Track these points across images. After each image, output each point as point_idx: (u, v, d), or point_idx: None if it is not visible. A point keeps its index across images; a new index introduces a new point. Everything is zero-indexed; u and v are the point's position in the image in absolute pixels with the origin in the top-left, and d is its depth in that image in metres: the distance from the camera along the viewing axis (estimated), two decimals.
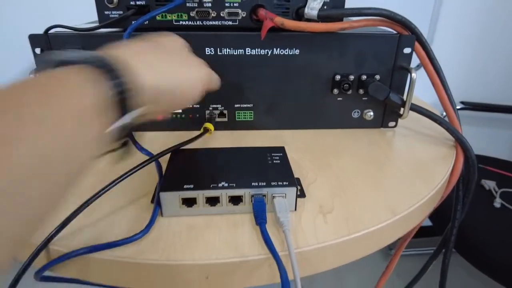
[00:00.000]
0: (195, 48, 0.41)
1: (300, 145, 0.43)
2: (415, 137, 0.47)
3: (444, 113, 0.46)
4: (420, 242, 1.23)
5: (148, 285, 0.27)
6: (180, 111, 0.45)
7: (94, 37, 0.40)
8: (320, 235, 0.28)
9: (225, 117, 0.46)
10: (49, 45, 0.41)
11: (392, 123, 0.49)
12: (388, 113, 0.48)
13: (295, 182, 0.30)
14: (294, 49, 0.42)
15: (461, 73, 1.07)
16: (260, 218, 0.27)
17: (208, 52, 0.42)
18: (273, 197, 0.29)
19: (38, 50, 0.41)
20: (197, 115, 0.45)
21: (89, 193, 0.30)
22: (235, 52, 0.42)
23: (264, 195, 0.29)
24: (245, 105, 0.45)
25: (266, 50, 0.42)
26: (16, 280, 0.26)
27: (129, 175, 0.30)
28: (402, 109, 0.46)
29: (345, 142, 0.44)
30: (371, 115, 0.47)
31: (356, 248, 0.29)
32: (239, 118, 0.46)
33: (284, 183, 0.29)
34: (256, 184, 0.29)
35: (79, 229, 0.28)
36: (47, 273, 0.28)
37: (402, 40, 0.43)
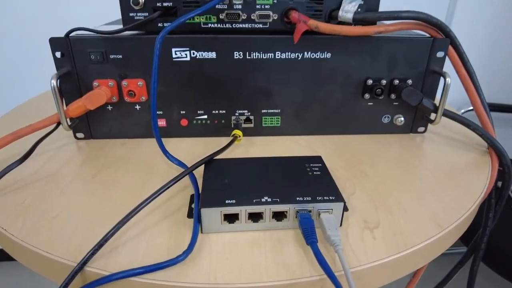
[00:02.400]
0: (224, 52, 0.40)
1: (331, 152, 0.41)
2: (445, 142, 0.45)
3: (462, 111, 0.45)
4: None
5: None
6: (206, 116, 0.43)
7: (118, 40, 0.39)
8: (371, 253, 0.27)
9: (251, 122, 0.44)
10: (70, 48, 0.39)
11: (421, 129, 0.47)
12: (418, 119, 0.46)
13: (341, 196, 0.28)
14: (325, 52, 0.41)
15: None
16: (310, 237, 0.26)
17: (236, 56, 0.40)
18: (319, 213, 0.28)
19: (58, 54, 0.39)
20: (223, 121, 0.44)
21: (121, 210, 0.28)
22: (264, 56, 0.40)
23: (310, 211, 0.28)
24: (272, 110, 0.44)
25: (296, 54, 0.40)
26: None
27: (166, 189, 0.29)
28: (433, 114, 0.45)
29: (377, 148, 0.43)
30: (401, 120, 0.45)
31: (406, 265, 0.28)
32: (265, 123, 0.44)
33: (331, 197, 0.28)
34: (301, 199, 0.28)
35: (114, 248, 0.27)
36: None
37: (436, 43, 0.42)
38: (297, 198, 0.28)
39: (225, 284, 0.24)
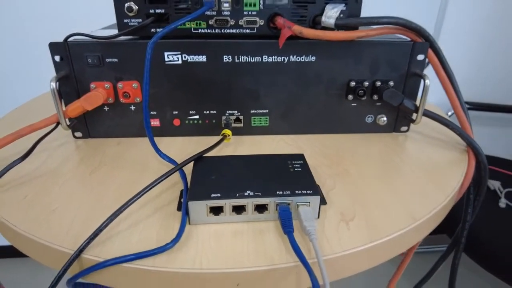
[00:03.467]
0: (214, 56, 0.42)
1: (316, 150, 0.44)
2: (426, 141, 0.48)
3: (450, 113, 0.47)
4: (424, 240, 1.25)
5: None
6: (198, 117, 0.45)
7: (113, 45, 0.41)
8: (344, 242, 0.29)
9: (241, 122, 0.46)
10: (68, 53, 0.41)
11: (404, 128, 0.50)
12: (400, 118, 0.49)
13: (318, 190, 0.31)
14: (310, 56, 0.43)
15: (464, 73, 1.08)
16: (287, 227, 0.28)
17: (225, 59, 0.42)
18: (297, 205, 0.30)
19: (57, 58, 0.41)
20: (214, 121, 0.46)
21: (115, 204, 0.30)
22: (252, 59, 0.42)
23: (289, 204, 0.30)
24: (260, 111, 0.46)
25: (282, 57, 0.43)
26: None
27: (157, 183, 0.31)
28: (415, 114, 0.47)
29: (360, 146, 0.45)
30: (384, 120, 0.48)
31: (379, 254, 0.30)
32: (254, 123, 0.47)
33: (308, 191, 0.30)
34: (281, 193, 0.30)
35: (108, 238, 0.29)
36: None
37: (416, 47, 0.44)
38: (278, 192, 0.30)
39: (209, 269, 0.26)
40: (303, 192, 0.30)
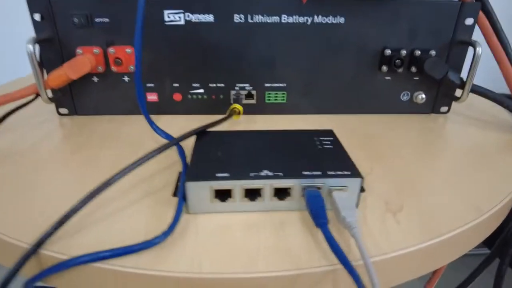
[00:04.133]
0: (223, 15, 0.35)
1: (344, 132, 0.36)
2: (472, 123, 0.40)
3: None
4: None
5: None
6: (202, 90, 0.38)
7: (104, 1, 0.34)
8: (395, 239, 0.21)
9: (253, 98, 0.39)
10: (51, 9, 0.34)
11: (444, 108, 0.42)
12: (441, 96, 0.41)
13: (358, 171, 0.23)
14: (338, 16, 0.36)
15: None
16: (320, 217, 0.21)
17: (237, 19, 0.35)
18: (331, 190, 0.23)
19: (37, 17, 0.35)
20: (221, 96, 0.39)
21: (95, 185, 0.23)
22: (268, 19, 0.35)
23: (320, 188, 0.23)
24: (277, 85, 0.39)
25: (305, 18, 0.35)
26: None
27: (145, 161, 0.24)
28: (460, 91, 0.39)
29: (394, 128, 0.38)
30: (422, 98, 0.40)
31: (439, 254, 0.23)
32: (269, 100, 0.39)
33: (346, 172, 0.23)
34: (309, 173, 0.23)
35: (81, 229, 0.22)
36: (41, 283, 0.21)
37: (465, 8, 0.36)
38: (304, 173, 0.23)
39: (212, 273, 0.19)
40: (338, 173, 0.23)
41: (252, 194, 0.23)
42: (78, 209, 0.21)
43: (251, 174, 0.23)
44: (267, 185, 0.23)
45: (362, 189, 0.26)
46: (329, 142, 0.27)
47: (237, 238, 0.21)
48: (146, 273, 0.19)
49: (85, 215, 0.23)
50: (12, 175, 0.28)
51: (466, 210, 0.24)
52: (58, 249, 0.20)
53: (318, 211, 0.21)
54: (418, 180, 0.28)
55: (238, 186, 0.23)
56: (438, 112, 0.42)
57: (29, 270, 0.21)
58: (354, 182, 0.23)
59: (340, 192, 0.23)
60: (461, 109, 0.44)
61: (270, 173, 0.23)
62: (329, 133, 0.29)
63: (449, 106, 0.42)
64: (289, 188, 0.23)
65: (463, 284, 0.52)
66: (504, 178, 0.29)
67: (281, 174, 0.23)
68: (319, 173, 0.23)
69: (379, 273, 0.20)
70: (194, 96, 0.39)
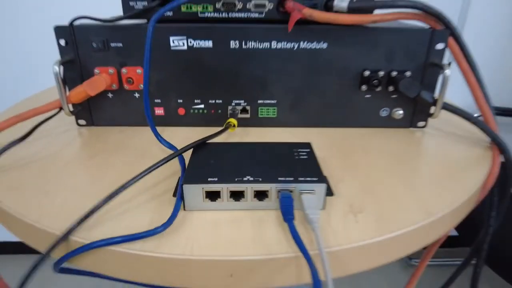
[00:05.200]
0: (221, 41, 0.40)
1: (326, 143, 0.41)
2: (446, 137, 0.44)
3: (476, 114, 0.44)
4: (443, 252, 1.19)
5: (168, 282, 0.25)
6: (203, 106, 0.44)
7: (119, 29, 0.40)
8: (351, 234, 0.26)
9: (248, 113, 0.44)
10: (73, 36, 0.40)
11: (421, 123, 0.46)
12: (418, 112, 0.46)
13: (324, 178, 0.28)
14: (322, 42, 0.41)
15: (487, 78, 1.03)
16: (288, 214, 0.26)
17: (232, 45, 0.40)
18: (301, 193, 0.28)
19: (62, 42, 0.41)
20: (219, 111, 0.44)
21: (111, 189, 0.29)
22: (260, 45, 0.41)
23: (291, 191, 0.28)
24: (268, 101, 0.44)
25: (292, 44, 0.41)
26: (33, 268, 0.25)
27: (154, 169, 0.29)
28: (433, 108, 0.44)
29: (373, 141, 0.42)
30: (400, 114, 0.45)
31: (389, 250, 0.27)
32: (262, 114, 0.45)
33: (313, 179, 0.28)
34: (283, 179, 0.28)
35: (100, 221, 0.27)
36: (66, 264, 0.27)
37: (436, 35, 0.41)
38: (279, 178, 0.28)
39: (200, 256, 0.24)
40: (307, 179, 0.28)
41: (237, 195, 0.28)
42: (100, 207, 0.26)
43: (236, 179, 0.28)
44: (249, 188, 0.28)
45: (331, 193, 0.31)
46: (305, 153, 0.32)
47: (223, 230, 0.27)
48: (149, 255, 0.24)
49: (104, 211, 0.28)
50: (41, 176, 0.34)
51: (417, 213, 0.29)
52: (82, 236, 0.26)
53: (287, 210, 0.26)
54: (383, 187, 0.33)
55: (225, 188, 0.28)
56: (416, 126, 0.47)
57: (59, 253, 0.26)
58: (320, 187, 0.28)
59: (308, 194, 0.28)
60: (440, 124, 0.48)
61: (251, 178, 0.28)
62: (307, 145, 0.34)
63: (426, 121, 0.46)
64: (267, 191, 0.28)
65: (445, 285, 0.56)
66: (461, 186, 0.33)
67: (260, 179, 0.28)
68: (291, 179, 0.28)
69: (335, 261, 0.25)
70: (196, 111, 0.44)
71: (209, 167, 0.30)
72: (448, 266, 1.27)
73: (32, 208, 0.29)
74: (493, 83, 1.03)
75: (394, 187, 0.33)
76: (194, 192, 0.28)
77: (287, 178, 0.28)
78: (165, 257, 0.24)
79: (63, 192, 0.31)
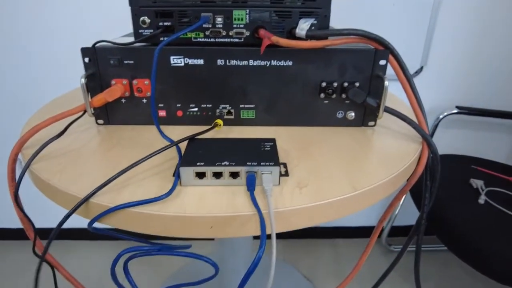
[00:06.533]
0: (209, 60, 0.52)
1: (291, 138, 0.53)
2: (390, 134, 0.56)
3: (441, 116, 0.55)
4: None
5: (169, 232, 0.37)
6: (196, 109, 0.56)
7: (131, 50, 0.52)
8: (295, 201, 0.38)
9: (232, 115, 0.56)
10: (95, 55, 0.52)
11: (371, 123, 0.58)
12: (368, 114, 0.57)
13: (278, 163, 0.40)
14: (288, 61, 0.52)
15: (457, 79, 1.14)
16: (251, 186, 0.38)
17: (219, 62, 0.52)
18: (262, 173, 0.40)
19: (87, 59, 0.53)
20: (209, 113, 0.56)
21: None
22: (240, 63, 0.52)
23: (255, 172, 0.40)
24: (248, 106, 0.56)
25: (265, 62, 0.52)
26: (60, 224, 0.37)
27: (158, 153, 0.42)
28: (379, 110, 0.56)
29: (329, 137, 0.54)
30: (352, 116, 0.57)
31: (322, 213, 0.39)
32: (243, 116, 0.56)
33: (270, 163, 0.40)
34: (250, 163, 0.40)
35: (120, 191, 0.39)
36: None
37: (378, 54, 0.53)
38: (247, 163, 0.40)
39: (191, 214, 0.36)
40: (266, 163, 0.40)
41: (217, 175, 0.40)
42: (114, 179, 0.38)
43: (217, 163, 0.40)
44: (226, 170, 0.40)
45: (287, 174, 0.43)
46: (269, 146, 0.44)
47: (207, 198, 0.39)
48: (156, 213, 0.36)
49: (122, 184, 0.40)
50: (75, 163, 0.46)
51: (346, 188, 0.41)
52: (108, 201, 0.38)
53: (250, 183, 0.38)
54: (326, 170, 0.45)
55: (209, 170, 0.40)
56: (367, 125, 0.58)
57: (88, 213, 0.38)
58: (274, 169, 0.39)
59: (267, 174, 0.39)
60: (390, 123, 0.60)
61: (227, 163, 0.40)
62: (272, 140, 0.46)
63: (375, 121, 0.58)
64: (238, 172, 0.40)
65: (395, 260, 0.68)
66: (386, 170, 0.45)
67: (234, 163, 0.40)
68: (255, 163, 0.40)
69: (282, 220, 0.37)
70: (191, 113, 0.56)
71: (198, 155, 0.42)
72: (424, 252, 1.39)
73: (72, 184, 0.41)
74: (457, 85, 1.15)
75: (334, 170, 0.45)
76: (187, 172, 0.40)
77: (253, 163, 0.40)
78: (167, 215, 0.36)
79: (93, 173, 0.43)
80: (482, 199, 0.90)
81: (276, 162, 0.40)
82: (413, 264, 1.31)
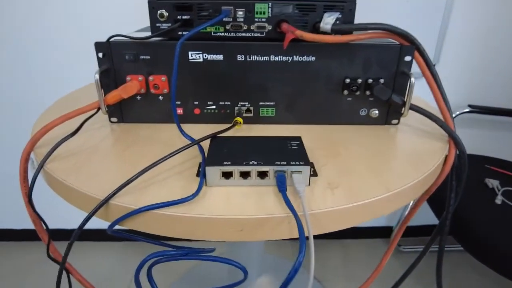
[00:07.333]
0: (229, 55, 0.50)
1: (315, 137, 0.51)
2: (414, 132, 0.54)
3: (454, 115, 0.53)
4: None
5: (195, 236, 0.35)
6: (214, 107, 0.54)
7: (147, 45, 0.50)
8: (328, 203, 0.36)
9: (251, 113, 0.54)
10: (110, 50, 0.50)
11: (395, 121, 0.56)
12: (391, 112, 0.55)
13: (309, 162, 0.38)
14: (310, 56, 0.50)
15: (469, 77, 1.13)
16: (282, 186, 0.35)
17: (239, 58, 0.50)
18: (292, 173, 0.38)
19: (101, 54, 0.50)
20: (228, 111, 0.54)
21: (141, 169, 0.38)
22: (261, 58, 0.50)
23: (285, 172, 0.38)
24: (268, 103, 0.54)
25: (287, 57, 0.50)
26: (81, 226, 0.35)
27: (181, 151, 0.40)
28: (403, 108, 0.54)
29: (353, 135, 0.52)
30: (376, 113, 0.55)
31: (355, 215, 0.37)
32: (262, 113, 0.54)
33: (301, 162, 0.38)
34: (279, 163, 0.38)
35: (141, 193, 0.37)
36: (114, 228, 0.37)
37: (403, 49, 0.51)
38: (276, 162, 0.38)
39: (218, 216, 0.34)
40: (296, 163, 0.38)
41: (244, 175, 0.38)
42: (135, 178, 0.36)
43: (244, 163, 0.38)
44: (253, 170, 0.38)
45: (315, 174, 0.41)
46: (296, 144, 0.42)
47: (234, 199, 0.36)
48: (182, 215, 0.34)
49: (143, 184, 0.38)
50: (86, 163, 0.43)
51: (379, 189, 0.39)
52: (129, 202, 0.35)
53: (281, 184, 0.36)
54: (355, 169, 0.43)
55: (236, 169, 0.37)
56: (390, 123, 0.56)
57: (107, 215, 0.36)
58: (305, 169, 0.37)
59: (297, 174, 0.37)
60: (412, 121, 0.58)
61: (255, 162, 0.38)
62: (298, 138, 0.44)
63: (398, 119, 0.56)
64: (267, 172, 0.38)
65: (416, 260, 0.66)
66: (416, 169, 0.43)
67: (262, 163, 0.38)
68: (284, 162, 0.38)
69: (316, 222, 0.35)
70: (209, 111, 0.54)
71: (224, 154, 0.39)
72: (434, 252, 1.37)
73: (87, 184, 0.39)
74: (470, 83, 1.13)
75: (364, 170, 0.43)
76: (213, 172, 0.37)
77: (282, 162, 0.38)
78: (194, 216, 0.34)
79: (110, 173, 0.41)
80: (499, 200, 0.88)
81: (307, 162, 0.38)
82: (424, 265, 1.29)
